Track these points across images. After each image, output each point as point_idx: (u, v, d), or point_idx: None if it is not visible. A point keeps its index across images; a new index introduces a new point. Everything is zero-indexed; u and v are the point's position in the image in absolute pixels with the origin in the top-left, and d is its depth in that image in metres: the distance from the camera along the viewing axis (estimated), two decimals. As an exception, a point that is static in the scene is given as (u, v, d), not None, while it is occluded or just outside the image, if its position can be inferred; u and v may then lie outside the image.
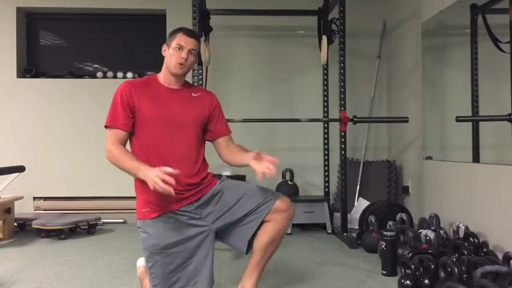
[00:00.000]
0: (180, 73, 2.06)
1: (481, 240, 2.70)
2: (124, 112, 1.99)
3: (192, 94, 2.14)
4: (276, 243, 2.06)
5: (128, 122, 2.01)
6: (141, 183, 1.99)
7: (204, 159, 2.14)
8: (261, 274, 2.11)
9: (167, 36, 2.11)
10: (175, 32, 2.07)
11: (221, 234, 2.10)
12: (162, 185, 1.76)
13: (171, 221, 1.98)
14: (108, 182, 4.52)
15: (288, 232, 3.92)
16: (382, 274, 2.72)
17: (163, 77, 2.10)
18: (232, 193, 2.07)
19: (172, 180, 1.77)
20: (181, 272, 1.99)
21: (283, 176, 4.47)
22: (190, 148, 2.08)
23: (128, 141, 2.06)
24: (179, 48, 2.02)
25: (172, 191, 1.78)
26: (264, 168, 1.89)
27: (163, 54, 2.09)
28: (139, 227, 2.03)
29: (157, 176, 1.77)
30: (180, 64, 2.03)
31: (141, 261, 2.39)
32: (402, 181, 4.43)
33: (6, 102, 4.65)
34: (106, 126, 2.03)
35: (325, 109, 4.38)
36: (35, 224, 3.87)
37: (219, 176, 2.21)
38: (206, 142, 2.20)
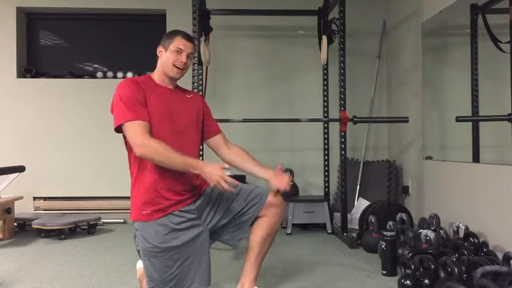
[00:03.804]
0: (178, 77, 2.06)
1: (481, 240, 2.70)
2: (142, 104, 1.92)
3: (186, 95, 2.16)
4: (271, 238, 2.11)
5: (147, 113, 1.93)
6: (140, 184, 1.97)
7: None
8: (259, 270, 2.12)
9: (163, 38, 2.08)
10: (173, 34, 2.05)
11: (214, 233, 2.12)
12: (226, 186, 1.86)
13: (171, 223, 1.96)
14: (108, 182, 4.52)
15: (288, 232, 3.93)
16: (382, 274, 2.72)
17: (158, 77, 2.08)
18: (226, 194, 2.08)
19: (231, 179, 1.87)
20: (180, 273, 1.98)
21: (283, 176, 4.46)
22: (193, 147, 2.09)
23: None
24: (178, 52, 2.01)
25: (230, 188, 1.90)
26: (283, 184, 2.02)
27: (159, 55, 2.07)
28: (136, 229, 2.01)
29: (221, 178, 1.85)
30: (180, 68, 2.03)
31: (140, 264, 2.39)
32: (402, 181, 4.43)
33: (6, 102, 4.65)
34: (121, 124, 1.90)
35: (325, 109, 4.38)
36: (35, 224, 3.86)
37: None
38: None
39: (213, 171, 1.85)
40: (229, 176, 1.85)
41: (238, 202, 2.07)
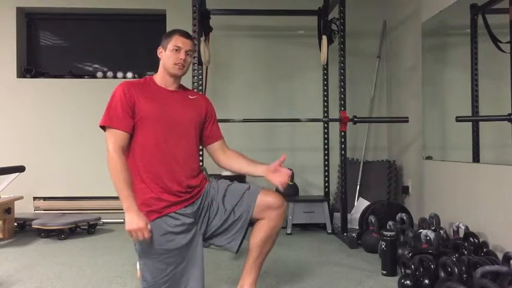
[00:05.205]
0: (179, 74, 2.07)
1: (481, 240, 2.70)
2: (124, 112, 1.94)
3: (189, 96, 2.15)
4: (272, 240, 2.07)
5: (129, 122, 1.95)
6: (137, 184, 1.97)
7: (200, 161, 2.15)
8: (259, 272, 2.11)
9: (162, 38, 2.10)
10: (171, 34, 2.07)
11: (209, 237, 2.09)
12: (138, 238, 1.86)
13: (167, 225, 1.94)
14: (108, 182, 4.43)
15: (288, 232, 3.93)
16: (382, 274, 2.72)
17: (160, 78, 2.08)
18: (220, 196, 2.06)
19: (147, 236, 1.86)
20: (172, 277, 1.96)
21: (283, 176, 4.46)
22: (191, 149, 2.07)
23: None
24: (176, 50, 2.03)
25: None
26: (280, 180, 2.00)
27: (159, 56, 2.08)
28: None
29: (137, 230, 1.84)
30: (180, 65, 2.03)
31: None
32: (402, 181, 4.43)
33: (6, 102, 4.65)
34: (102, 126, 1.96)
35: (325, 109, 4.38)
36: (35, 224, 3.86)
37: (216, 176, 2.21)
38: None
39: (133, 221, 1.85)
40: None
41: (228, 205, 2.04)
